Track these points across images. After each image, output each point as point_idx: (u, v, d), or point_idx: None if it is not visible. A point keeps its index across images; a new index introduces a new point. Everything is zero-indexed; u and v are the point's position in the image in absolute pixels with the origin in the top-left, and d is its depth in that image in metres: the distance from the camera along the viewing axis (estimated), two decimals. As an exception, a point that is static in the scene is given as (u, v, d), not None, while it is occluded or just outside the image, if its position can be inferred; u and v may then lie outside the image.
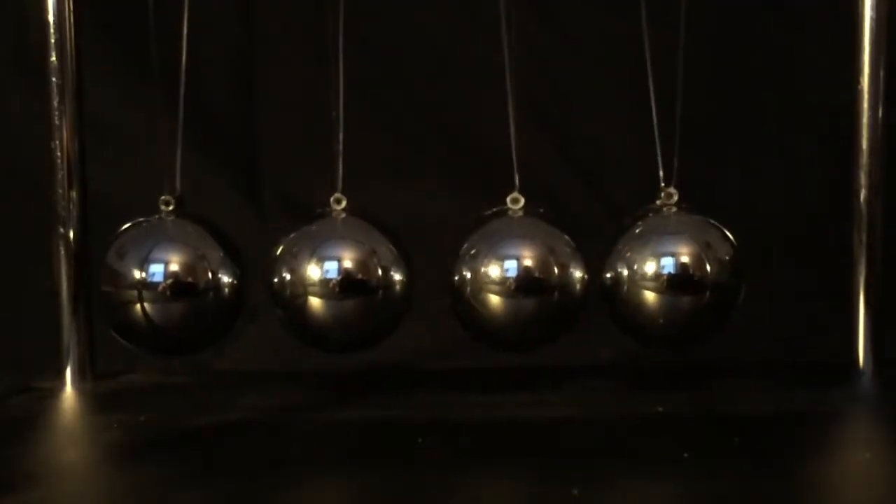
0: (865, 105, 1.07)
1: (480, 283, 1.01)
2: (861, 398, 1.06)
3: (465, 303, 1.03)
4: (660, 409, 0.99)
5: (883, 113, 1.07)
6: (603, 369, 1.12)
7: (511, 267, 1.01)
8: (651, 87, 1.06)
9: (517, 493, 0.82)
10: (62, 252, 1.08)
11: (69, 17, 1.07)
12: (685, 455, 0.88)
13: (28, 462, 0.90)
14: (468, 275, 1.02)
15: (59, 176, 1.08)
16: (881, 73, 1.07)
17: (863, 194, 1.08)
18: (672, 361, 1.13)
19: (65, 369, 1.09)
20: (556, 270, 1.01)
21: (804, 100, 1.28)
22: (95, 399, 1.06)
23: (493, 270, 1.01)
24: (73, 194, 1.08)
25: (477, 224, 1.05)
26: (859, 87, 1.07)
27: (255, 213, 1.37)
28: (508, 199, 1.05)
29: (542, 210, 1.05)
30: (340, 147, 1.05)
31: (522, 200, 1.05)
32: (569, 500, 0.80)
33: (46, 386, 1.08)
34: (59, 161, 1.08)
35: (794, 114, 1.28)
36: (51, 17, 1.07)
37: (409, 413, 1.00)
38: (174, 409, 1.02)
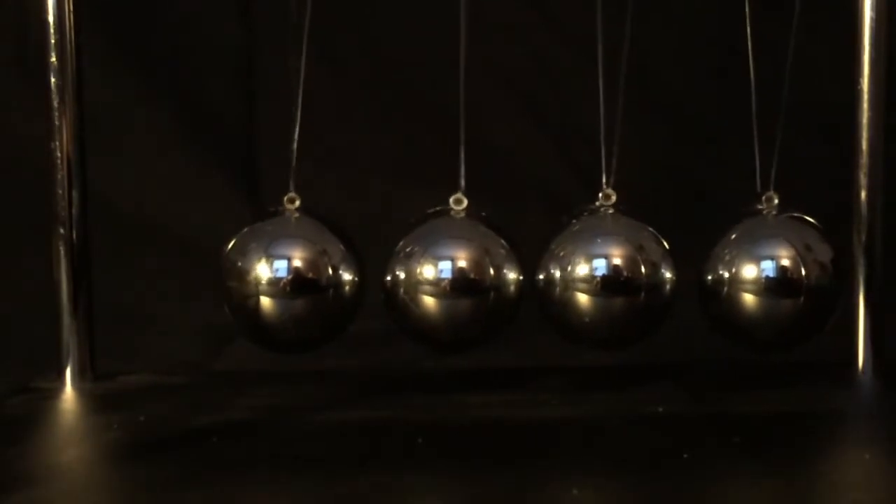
0: (865, 105, 1.07)
1: (414, 283, 1.01)
2: (861, 398, 1.06)
3: (398, 303, 1.03)
4: (660, 409, 0.99)
5: (883, 113, 1.07)
6: (602, 369, 1.12)
7: (445, 268, 1.01)
8: (601, 90, 1.06)
9: (517, 493, 0.82)
10: (62, 252, 1.08)
11: (69, 17, 1.07)
12: (685, 455, 0.88)
13: (28, 462, 0.90)
14: (402, 275, 1.02)
15: (59, 176, 1.07)
16: (881, 73, 1.07)
17: (863, 194, 1.08)
18: (672, 362, 1.13)
19: (65, 369, 1.08)
20: (491, 272, 1.01)
21: (804, 100, 1.28)
22: (95, 399, 1.06)
23: (428, 271, 1.01)
24: (74, 194, 1.08)
25: (417, 223, 1.04)
26: (859, 87, 1.07)
27: (254, 211, 1.37)
28: (451, 200, 1.04)
29: (484, 214, 1.05)
30: (295, 146, 1.05)
31: (465, 202, 1.04)
32: (569, 500, 0.80)
33: (46, 386, 1.08)
34: (59, 161, 1.07)
35: (794, 114, 1.28)
36: (51, 18, 1.07)
37: (409, 413, 1.00)
38: (174, 409, 1.02)
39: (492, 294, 1.01)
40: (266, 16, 1.38)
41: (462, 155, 1.04)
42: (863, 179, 1.08)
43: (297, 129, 1.04)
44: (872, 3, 1.06)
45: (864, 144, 1.07)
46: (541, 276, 1.03)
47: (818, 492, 0.83)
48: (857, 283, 1.08)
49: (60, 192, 1.08)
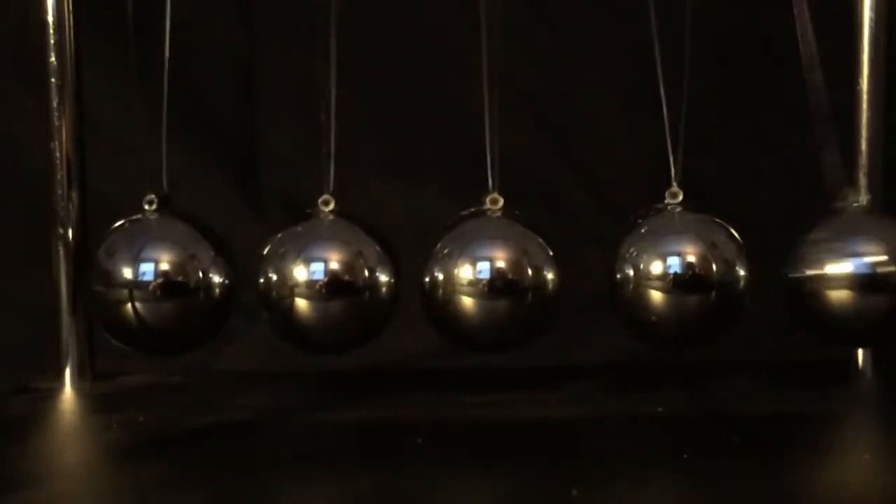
0: (865, 105, 1.07)
1: (453, 285, 1.01)
2: (861, 398, 1.06)
3: (437, 304, 1.03)
4: (660, 409, 0.99)
5: (883, 113, 1.07)
6: (602, 369, 1.12)
7: (484, 268, 1.01)
8: (662, 87, 1.06)
9: (517, 493, 0.82)
10: (62, 252, 1.08)
11: (69, 18, 1.07)
12: (685, 455, 0.88)
13: (28, 462, 0.90)
14: (440, 276, 1.02)
15: (59, 176, 1.08)
16: (881, 74, 1.07)
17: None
18: (672, 361, 1.13)
19: (64, 369, 1.09)
20: (529, 272, 1.01)
21: (804, 100, 1.28)
22: (95, 399, 1.06)
23: (466, 271, 1.01)
24: (73, 194, 1.08)
25: (454, 224, 1.04)
26: (859, 87, 1.07)
27: (252, 211, 1.37)
28: (487, 200, 1.04)
29: (518, 212, 1.05)
30: (332, 149, 1.05)
31: (501, 201, 1.04)
32: (569, 500, 0.80)
33: (46, 386, 1.08)
34: (58, 161, 1.08)
35: (794, 114, 1.28)
36: (50, 18, 1.07)
37: (409, 413, 1.00)
38: (174, 409, 1.03)
39: (529, 294, 1.01)
40: (266, 16, 1.38)
41: (489, 156, 1.04)
42: (863, 179, 1.08)
43: (333, 132, 1.04)
44: (872, 4, 1.06)
45: (864, 144, 1.07)
46: (617, 276, 1.02)
47: (818, 492, 0.83)
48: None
49: (60, 192, 1.08)
